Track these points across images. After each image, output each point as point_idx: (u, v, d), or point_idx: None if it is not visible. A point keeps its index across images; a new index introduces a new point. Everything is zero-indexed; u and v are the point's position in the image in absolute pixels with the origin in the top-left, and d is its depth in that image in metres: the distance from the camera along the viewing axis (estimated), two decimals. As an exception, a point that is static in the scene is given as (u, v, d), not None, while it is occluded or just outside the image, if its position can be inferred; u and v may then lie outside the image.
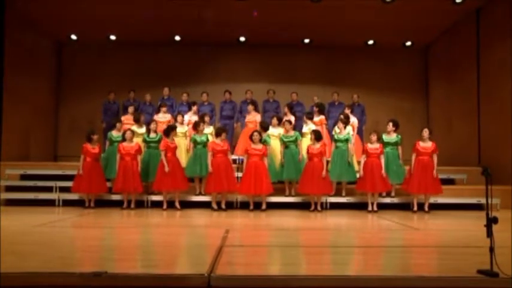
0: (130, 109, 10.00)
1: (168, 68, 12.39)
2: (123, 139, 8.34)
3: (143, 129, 9.01)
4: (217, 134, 8.24)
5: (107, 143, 8.90)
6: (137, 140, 8.62)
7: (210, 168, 7.96)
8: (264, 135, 8.46)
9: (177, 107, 10.81)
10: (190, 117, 9.61)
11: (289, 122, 8.73)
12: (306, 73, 12.52)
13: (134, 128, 8.95)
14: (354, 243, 5.62)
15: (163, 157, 8.10)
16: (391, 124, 8.53)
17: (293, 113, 9.70)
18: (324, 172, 7.94)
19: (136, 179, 8.20)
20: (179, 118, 9.22)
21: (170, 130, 8.29)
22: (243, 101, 10.87)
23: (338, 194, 8.74)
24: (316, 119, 9.33)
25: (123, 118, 9.69)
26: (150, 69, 12.35)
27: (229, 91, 10.91)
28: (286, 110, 9.60)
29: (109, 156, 8.74)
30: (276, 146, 8.78)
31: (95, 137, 8.42)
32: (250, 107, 9.75)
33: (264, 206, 8.20)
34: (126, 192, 8.27)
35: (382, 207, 8.42)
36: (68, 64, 12.64)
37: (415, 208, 8.17)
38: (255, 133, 8.11)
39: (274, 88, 11.18)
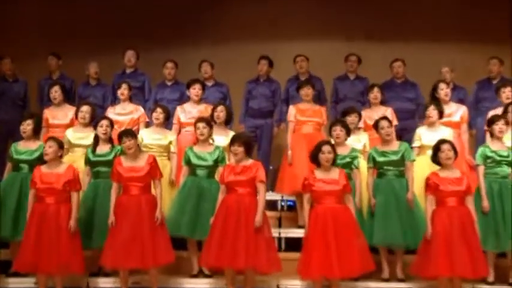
0: (55, 91, 9.87)
1: (132, 12, 12.68)
2: (41, 159, 8.33)
3: (88, 137, 9.18)
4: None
5: (8, 165, 9.06)
6: (73, 159, 8.84)
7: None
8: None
9: (152, 91, 11.07)
10: (188, 112, 9.85)
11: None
12: (425, 19, 12.67)
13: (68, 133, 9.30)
14: None
15: (112, 197, 8.14)
16: None
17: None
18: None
19: (67, 244, 8.08)
20: (154, 114, 9.44)
21: (120, 136, 8.34)
22: (290, 80, 11.02)
23: (501, 278, 8.57)
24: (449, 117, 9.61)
25: (47, 111, 9.94)
26: (94, 16, 12.70)
27: (268, 58, 11.01)
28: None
29: (8, 193, 8.77)
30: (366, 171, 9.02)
31: None
32: (307, 91, 9.63)
33: (338, 302, 8.45)
34: (44, 273, 8.15)
35: None
36: None
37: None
38: (325, 146, 8.06)
39: (357, 50, 11.28)
